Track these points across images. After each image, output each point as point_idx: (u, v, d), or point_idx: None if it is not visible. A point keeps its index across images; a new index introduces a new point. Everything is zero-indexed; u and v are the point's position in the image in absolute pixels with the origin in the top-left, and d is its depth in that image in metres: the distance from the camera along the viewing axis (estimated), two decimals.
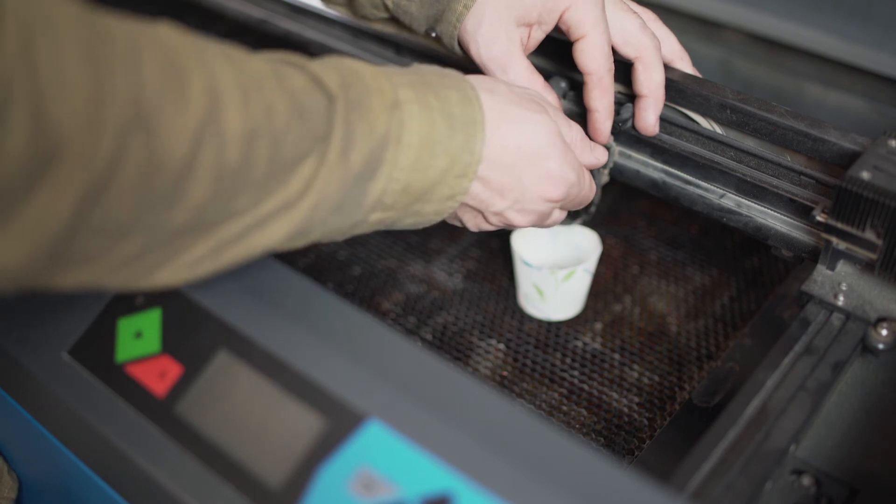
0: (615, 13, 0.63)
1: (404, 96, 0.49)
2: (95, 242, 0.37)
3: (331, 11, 0.86)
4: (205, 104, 0.38)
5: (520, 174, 0.55)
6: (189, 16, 1.24)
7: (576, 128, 0.60)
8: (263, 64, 0.43)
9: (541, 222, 0.60)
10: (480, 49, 0.62)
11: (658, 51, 0.63)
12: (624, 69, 0.65)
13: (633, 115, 0.68)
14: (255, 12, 0.98)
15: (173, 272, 0.42)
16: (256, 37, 1.06)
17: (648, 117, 0.65)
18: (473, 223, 0.59)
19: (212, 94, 0.38)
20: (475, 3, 0.61)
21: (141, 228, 0.38)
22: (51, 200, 0.34)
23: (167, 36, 0.39)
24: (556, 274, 0.74)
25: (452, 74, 0.53)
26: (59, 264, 0.37)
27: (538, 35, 0.63)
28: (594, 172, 0.70)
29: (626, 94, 0.70)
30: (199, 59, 0.39)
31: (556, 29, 0.62)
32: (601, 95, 0.63)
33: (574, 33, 0.61)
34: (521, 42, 0.62)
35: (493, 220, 0.58)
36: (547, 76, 0.74)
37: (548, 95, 0.63)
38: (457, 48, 0.64)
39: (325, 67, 0.46)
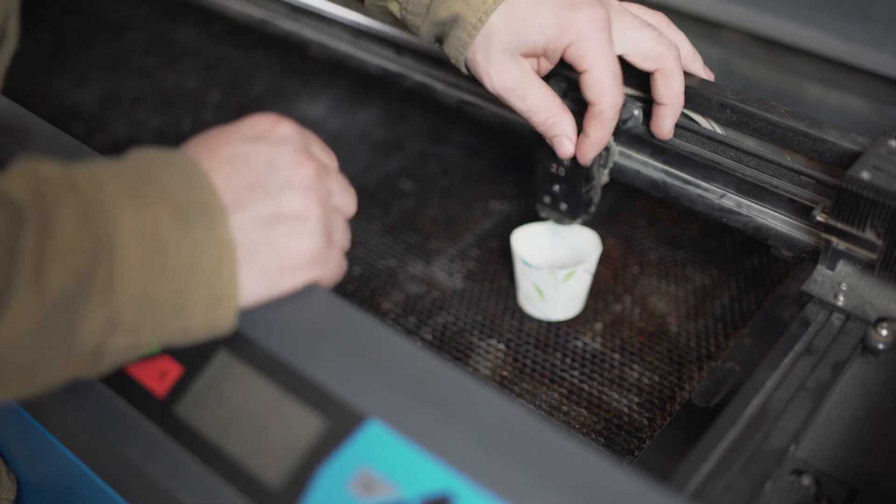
0: (629, 31, 0.62)
1: (112, 195, 0.41)
2: None
3: (331, 11, 0.86)
4: None
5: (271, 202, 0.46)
6: (189, 16, 1.24)
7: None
8: None
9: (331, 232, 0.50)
10: (494, 82, 0.62)
11: (677, 59, 0.63)
12: (635, 73, 0.64)
13: (633, 116, 0.68)
14: (255, 12, 0.98)
15: None
16: (256, 37, 1.06)
17: (666, 124, 0.65)
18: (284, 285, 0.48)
19: None
20: (479, 34, 0.61)
21: None
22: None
23: None
24: (556, 274, 0.74)
25: (178, 157, 0.45)
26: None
27: (546, 66, 0.64)
28: (595, 172, 0.70)
29: (629, 94, 0.70)
30: None
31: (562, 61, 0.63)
32: (598, 126, 0.63)
33: (578, 67, 0.61)
34: (531, 68, 0.62)
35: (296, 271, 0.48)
36: (547, 76, 0.74)
37: (563, 117, 0.63)
38: (464, 69, 0.64)
39: (17, 177, 0.40)
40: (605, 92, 0.61)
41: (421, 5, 0.63)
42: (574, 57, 0.60)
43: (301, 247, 0.46)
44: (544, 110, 0.62)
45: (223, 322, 0.44)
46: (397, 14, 0.65)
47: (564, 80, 0.72)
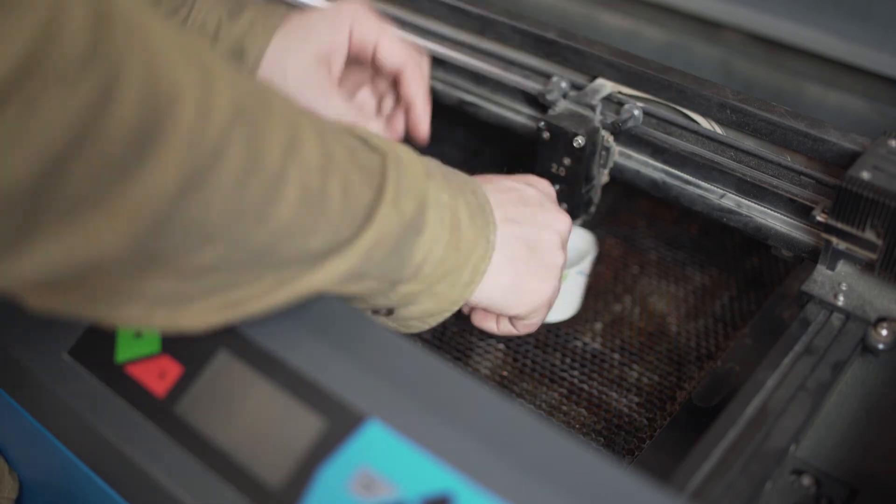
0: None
1: (433, 171, 0.51)
2: (182, 241, 0.36)
3: None
4: (288, 126, 0.39)
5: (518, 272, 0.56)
6: None
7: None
8: (324, 119, 0.44)
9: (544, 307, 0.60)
10: (299, 98, 0.61)
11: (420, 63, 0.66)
12: (635, 73, 0.64)
13: (633, 116, 0.68)
14: None
15: (209, 311, 0.41)
16: None
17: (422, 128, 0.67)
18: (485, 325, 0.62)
19: (293, 121, 0.40)
20: (269, 48, 0.62)
21: (225, 238, 0.37)
22: (156, 178, 0.33)
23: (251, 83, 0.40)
24: None
25: (458, 172, 0.55)
26: (145, 261, 0.36)
27: (339, 61, 0.64)
28: (595, 172, 0.70)
29: (629, 95, 0.70)
30: (276, 93, 0.40)
31: (355, 54, 0.64)
32: (421, 83, 0.65)
33: (368, 46, 0.63)
34: (329, 76, 0.63)
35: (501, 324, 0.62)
36: (547, 76, 0.74)
37: (370, 122, 0.64)
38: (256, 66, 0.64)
39: (367, 133, 0.49)
40: (407, 48, 0.64)
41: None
42: (361, 38, 0.63)
43: (543, 287, 0.57)
44: (343, 115, 0.63)
45: (461, 301, 0.53)
46: None
47: (565, 80, 0.72)
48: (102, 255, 0.33)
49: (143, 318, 0.40)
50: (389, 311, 0.53)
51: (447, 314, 0.54)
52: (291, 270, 0.42)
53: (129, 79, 0.31)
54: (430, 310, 0.53)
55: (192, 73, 0.34)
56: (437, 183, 0.50)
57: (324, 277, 0.44)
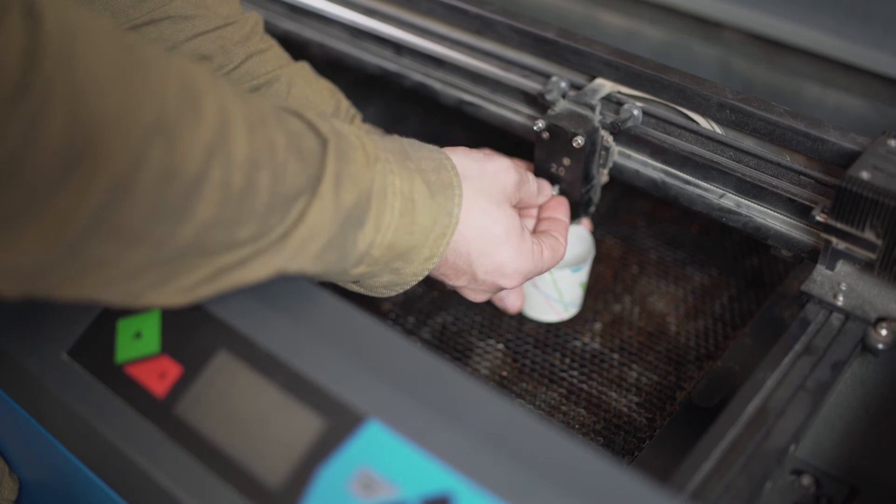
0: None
1: (384, 156, 0.51)
2: (108, 247, 0.38)
3: (330, 11, 0.86)
4: (216, 125, 0.40)
5: (472, 262, 0.59)
6: None
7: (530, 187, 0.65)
8: (267, 105, 0.45)
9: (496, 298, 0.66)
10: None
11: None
12: (634, 73, 0.64)
13: (633, 116, 0.68)
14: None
15: (170, 294, 0.43)
16: None
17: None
18: (452, 282, 0.62)
19: (222, 117, 0.40)
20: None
21: (150, 240, 0.39)
22: (78, 197, 0.35)
23: (184, 61, 0.41)
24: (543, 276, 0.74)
25: (428, 146, 0.57)
26: (72, 267, 0.38)
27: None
28: (595, 171, 0.70)
29: (629, 94, 0.70)
30: (212, 86, 0.41)
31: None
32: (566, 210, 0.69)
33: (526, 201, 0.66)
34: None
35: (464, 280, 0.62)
36: (546, 76, 0.74)
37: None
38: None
39: (315, 117, 0.49)
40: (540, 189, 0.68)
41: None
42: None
43: (505, 256, 0.59)
44: None
45: (423, 274, 0.55)
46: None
47: (565, 80, 0.72)
48: (35, 264, 0.37)
49: (104, 299, 0.42)
50: (354, 281, 0.55)
51: (412, 284, 0.56)
52: (224, 258, 0.43)
53: (55, 110, 0.34)
54: (392, 281, 0.55)
55: (116, 94, 0.36)
56: (387, 167, 0.51)
57: (262, 270, 0.45)
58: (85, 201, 0.36)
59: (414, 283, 0.56)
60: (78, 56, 0.35)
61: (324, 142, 0.47)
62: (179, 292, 0.43)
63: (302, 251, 0.46)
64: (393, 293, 0.57)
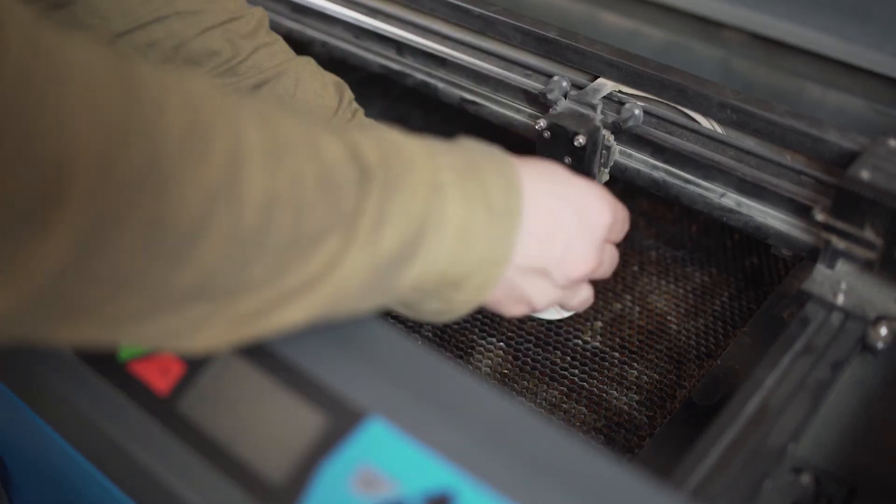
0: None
1: (446, 179, 0.45)
2: (94, 292, 0.34)
3: (333, 10, 0.86)
4: (225, 165, 0.35)
5: (547, 260, 0.52)
6: None
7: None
8: (299, 128, 0.40)
9: (566, 302, 0.59)
10: None
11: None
12: (634, 73, 0.64)
13: (633, 116, 0.69)
14: None
15: (199, 339, 0.40)
16: None
17: None
18: (504, 309, 0.55)
19: (234, 155, 0.36)
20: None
21: (144, 285, 0.35)
22: (50, 243, 0.32)
23: (197, 89, 0.36)
24: None
25: (497, 156, 0.50)
26: (56, 313, 0.35)
27: None
28: (595, 171, 0.71)
29: (629, 94, 0.70)
30: (226, 118, 0.36)
31: None
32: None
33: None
34: None
35: (519, 306, 0.55)
36: (548, 75, 0.74)
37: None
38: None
39: (365, 138, 0.43)
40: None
41: None
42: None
43: (545, 298, 0.54)
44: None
45: (474, 304, 0.50)
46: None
47: (565, 80, 0.72)
48: (7, 312, 0.33)
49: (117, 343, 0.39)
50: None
51: (462, 314, 0.51)
52: (244, 307, 0.39)
53: (32, 144, 0.30)
54: (441, 309, 0.50)
55: (99, 133, 0.32)
56: (448, 194, 0.45)
57: (287, 318, 0.41)
58: (57, 248, 0.32)
59: (463, 311, 0.51)
60: (50, 82, 0.31)
61: (364, 173, 0.41)
62: (207, 338, 0.40)
63: (334, 304, 0.42)
64: (442, 321, 0.52)
